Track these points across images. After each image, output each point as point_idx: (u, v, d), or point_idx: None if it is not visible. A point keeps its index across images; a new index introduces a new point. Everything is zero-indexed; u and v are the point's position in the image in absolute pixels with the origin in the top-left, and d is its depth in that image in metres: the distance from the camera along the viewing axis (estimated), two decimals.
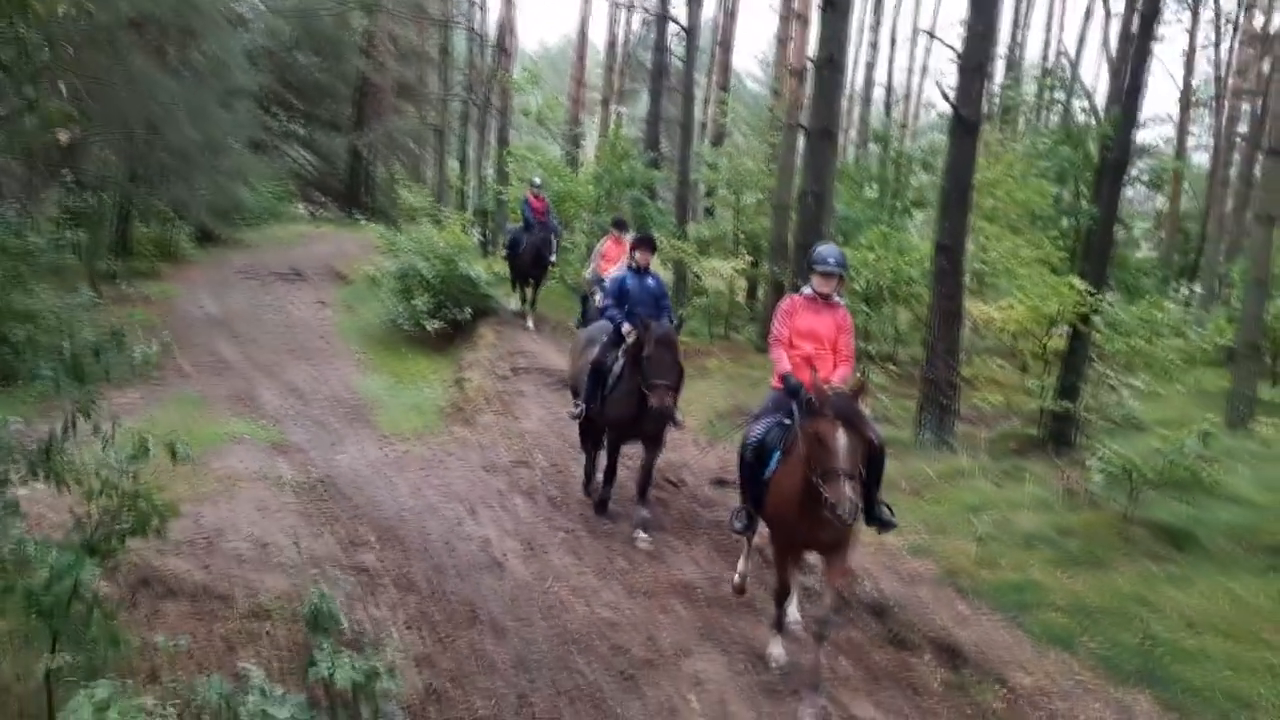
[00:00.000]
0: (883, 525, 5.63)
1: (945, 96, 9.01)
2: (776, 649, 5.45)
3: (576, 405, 8.40)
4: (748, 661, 5.55)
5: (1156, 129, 34.16)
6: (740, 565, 6.37)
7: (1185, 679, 4.86)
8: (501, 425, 11.18)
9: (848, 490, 4.47)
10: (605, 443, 8.19)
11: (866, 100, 32.55)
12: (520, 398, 12.24)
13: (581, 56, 28.56)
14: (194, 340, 15.33)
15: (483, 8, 28.57)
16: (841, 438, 4.60)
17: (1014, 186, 13.83)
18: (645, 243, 8.63)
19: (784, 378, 5.66)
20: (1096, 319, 8.81)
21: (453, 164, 31.72)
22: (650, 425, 7.57)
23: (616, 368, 7.86)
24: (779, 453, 5.39)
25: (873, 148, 19.67)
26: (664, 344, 7.25)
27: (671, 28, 22.93)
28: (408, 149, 30.57)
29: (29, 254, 11.10)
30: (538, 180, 16.49)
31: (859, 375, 5.75)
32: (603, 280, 12.00)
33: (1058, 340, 9.69)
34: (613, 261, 12.66)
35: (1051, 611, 5.68)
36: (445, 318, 15.59)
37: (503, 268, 18.51)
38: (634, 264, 8.44)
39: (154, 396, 11.80)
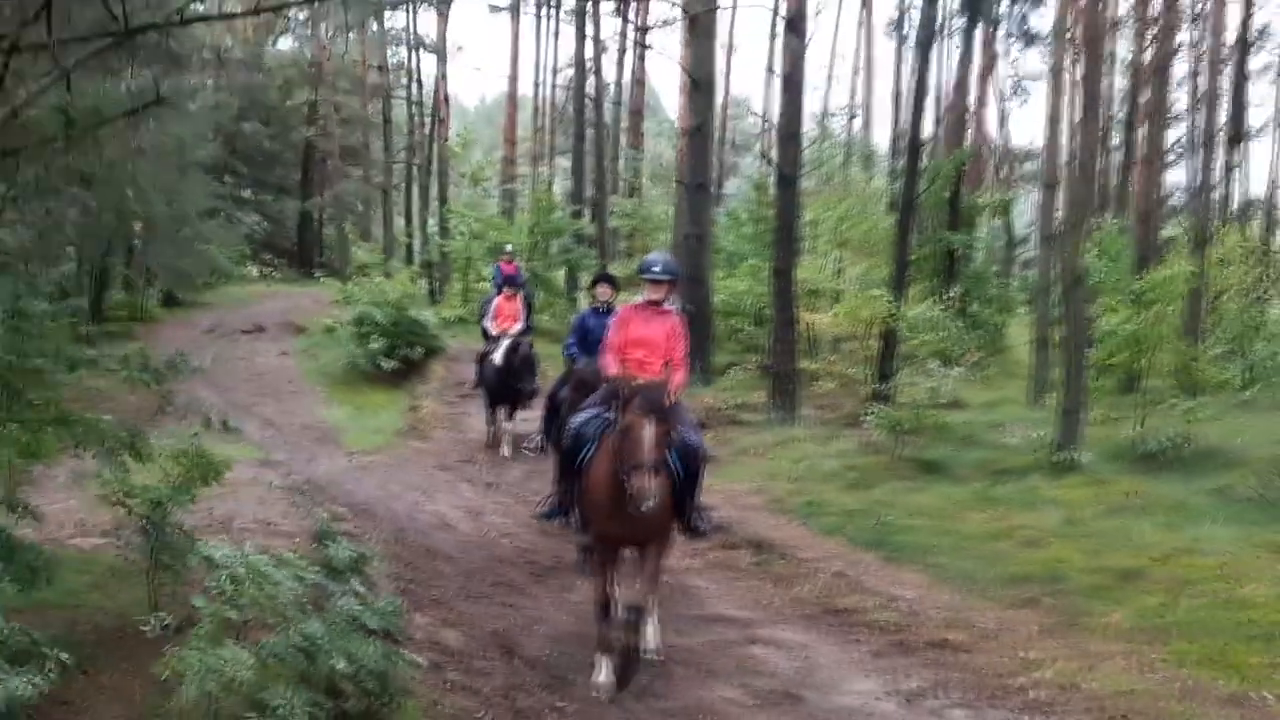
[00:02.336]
0: (695, 533, 5.88)
1: (767, 160, 11.74)
2: (602, 675, 5.21)
3: (534, 441, 9.08)
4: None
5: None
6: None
7: (899, 543, 7.41)
8: (451, 438, 13.58)
9: (650, 483, 4.61)
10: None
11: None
12: (466, 417, 14.64)
13: (512, 121, 31.27)
14: (177, 389, 17.51)
15: (419, 82, 31.15)
16: (648, 431, 4.75)
17: (854, 221, 16.68)
18: (605, 280, 8.62)
19: (608, 380, 5.76)
20: (897, 322, 11.48)
21: (399, 221, 34.19)
22: None
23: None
24: (594, 444, 5.47)
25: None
26: (584, 386, 7.31)
27: (589, 89, 25.78)
28: (356, 209, 32.88)
29: (41, 318, 13.33)
30: (509, 248, 17.93)
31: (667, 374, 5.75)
32: (495, 336, 12.52)
33: (873, 341, 12.37)
34: (506, 318, 12.77)
35: (830, 515, 8.23)
36: (399, 357, 17.91)
37: (451, 311, 20.94)
38: (596, 302, 8.50)
39: (151, 435, 14.03)
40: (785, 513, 8.62)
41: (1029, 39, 31.47)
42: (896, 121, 29.83)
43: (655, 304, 6.03)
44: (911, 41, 23.13)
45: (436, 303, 24.15)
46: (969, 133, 24.94)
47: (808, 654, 5.76)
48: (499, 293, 15.72)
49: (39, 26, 5.69)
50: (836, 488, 8.84)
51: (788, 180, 11.13)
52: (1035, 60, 47.63)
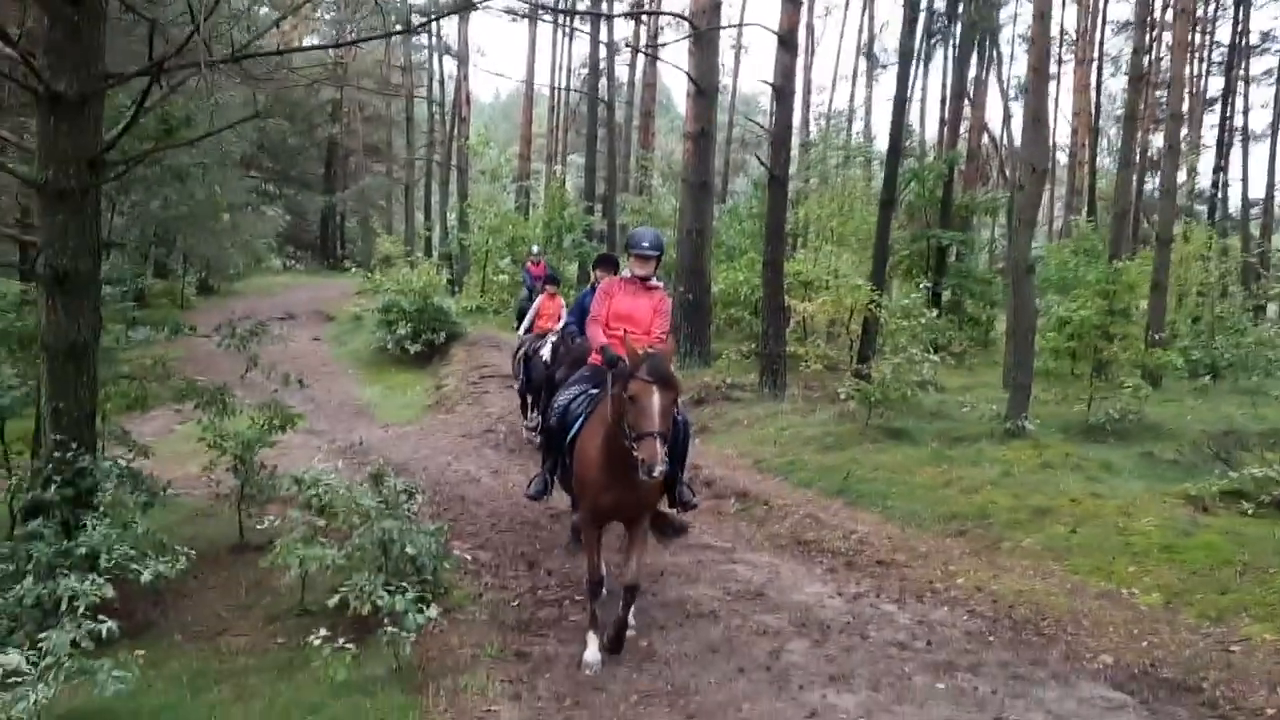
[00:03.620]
0: (684, 505, 5.90)
1: (761, 162, 13.07)
2: (591, 653, 5.26)
3: (533, 420, 10.21)
4: None
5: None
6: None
7: (861, 491, 8.75)
8: (473, 411, 15.00)
9: (659, 450, 4.56)
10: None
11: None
12: (486, 394, 16.06)
13: (528, 121, 32.66)
14: (220, 368, 19.03)
15: (441, 82, 32.55)
16: (656, 399, 4.67)
17: (844, 218, 18.02)
18: (605, 262, 8.66)
19: (602, 349, 5.55)
20: (878, 309, 12.82)
21: (419, 215, 35.66)
22: None
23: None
24: (583, 418, 5.49)
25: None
26: (578, 364, 7.27)
27: (602, 91, 27.17)
28: (378, 204, 34.26)
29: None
30: (536, 249, 19.38)
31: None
32: (541, 336, 12.18)
33: (856, 326, 13.71)
34: (548, 318, 12.75)
35: (805, 472, 9.58)
36: (423, 341, 19.39)
37: (470, 301, 22.34)
38: (595, 282, 8.61)
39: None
40: (768, 471, 9.97)
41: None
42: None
43: (642, 279, 5.96)
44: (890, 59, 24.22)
45: (456, 293, 25.59)
46: (968, 133, 26.13)
47: (775, 570, 7.10)
48: (531, 293, 16.17)
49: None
50: (813, 450, 10.18)
51: (778, 181, 12.46)
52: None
